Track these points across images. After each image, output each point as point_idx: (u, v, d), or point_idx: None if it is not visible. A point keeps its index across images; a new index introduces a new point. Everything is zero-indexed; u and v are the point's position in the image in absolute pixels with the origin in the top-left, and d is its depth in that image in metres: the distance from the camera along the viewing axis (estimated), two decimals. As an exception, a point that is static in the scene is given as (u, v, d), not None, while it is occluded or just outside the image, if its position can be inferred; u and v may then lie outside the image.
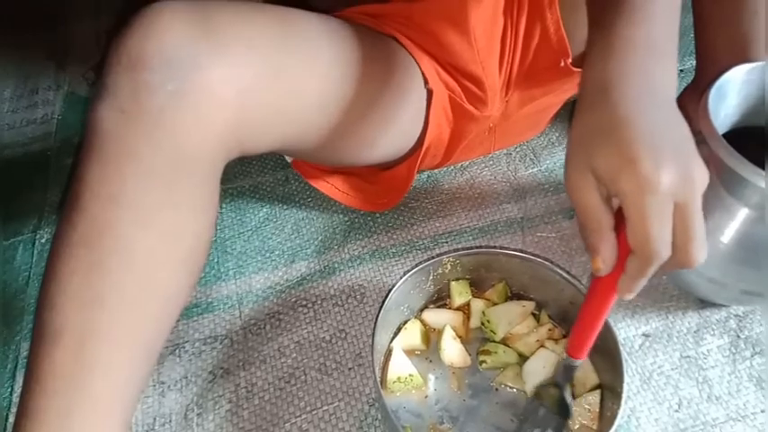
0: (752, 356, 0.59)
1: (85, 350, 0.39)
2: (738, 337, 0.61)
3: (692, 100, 0.73)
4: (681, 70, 0.84)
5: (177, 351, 0.63)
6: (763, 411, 0.55)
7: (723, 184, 0.54)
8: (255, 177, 0.79)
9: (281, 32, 0.48)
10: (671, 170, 0.35)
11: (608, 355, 0.54)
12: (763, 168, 0.50)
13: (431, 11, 0.59)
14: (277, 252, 0.71)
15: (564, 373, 0.51)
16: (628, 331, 0.62)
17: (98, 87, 0.41)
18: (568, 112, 0.79)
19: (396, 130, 0.61)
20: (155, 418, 0.59)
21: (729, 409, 0.56)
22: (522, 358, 0.58)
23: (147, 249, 0.41)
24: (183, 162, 0.41)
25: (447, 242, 0.70)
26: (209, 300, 0.67)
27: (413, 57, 0.60)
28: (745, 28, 0.64)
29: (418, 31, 0.60)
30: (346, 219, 0.73)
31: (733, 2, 0.63)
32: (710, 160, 0.55)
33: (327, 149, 0.57)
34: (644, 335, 0.61)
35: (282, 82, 0.47)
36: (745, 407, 0.56)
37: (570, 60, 0.64)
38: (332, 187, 0.71)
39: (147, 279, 0.41)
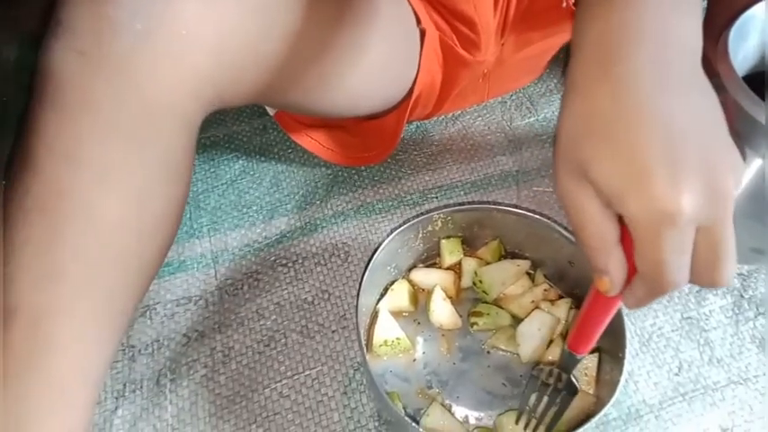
0: (755, 317, 0.57)
1: (42, 328, 0.35)
2: (742, 297, 0.58)
3: (706, 41, 0.68)
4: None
5: (148, 313, 0.59)
6: (765, 374, 0.53)
7: (738, 134, 0.50)
8: (231, 126, 0.73)
9: None
10: (694, 189, 0.27)
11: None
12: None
13: None
14: (254, 207, 0.66)
15: (567, 362, 0.48)
16: (626, 291, 0.59)
17: (52, 22, 0.35)
18: (563, 57, 0.73)
19: (386, 75, 0.55)
20: (124, 385, 0.55)
21: (731, 372, 0.53)
22: (516, 320, 0.55)
23: (112, 215, 0.36)
24: (153, 115, 0.36)
25: (437, 197, 0.65)
26: (182, 258, 0.62)
27: None
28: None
29: None
30: (329, 172, 0.68)
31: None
32: (726, 106, 0.51)
33: (314, 97, 0.52)
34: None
35: (266, 21, 0.41)
36: (747, 369, 0.54)
37: (573, 0, 0.58)
38: (315, 143, 0.65)
39: (112, 248, 0.36)
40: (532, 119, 0.71)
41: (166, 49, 0.35)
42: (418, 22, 0.55)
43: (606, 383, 0.50)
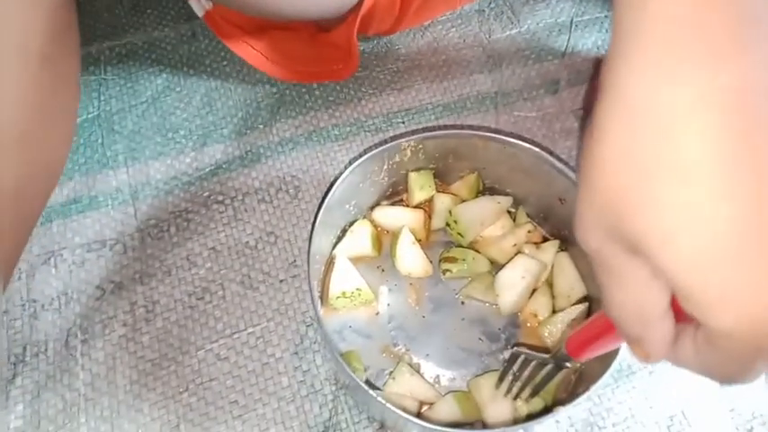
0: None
1: None
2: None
3: None
4: None
5: (52, 260, 0.48)
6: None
7: None
8: (151, 31, 0.60)
9: None
10: None
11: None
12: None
13: None
14: (182, 132, 0.54)
15: (560, 360, 0.39)
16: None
17: None
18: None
19: None
20: (24, 347, 0.45)
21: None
22: (495, 266, 0.47)
23: None
24: None
25: (404, 122, 0.55)
26: (93, 193, 0.51)
27: None
28: None
29: None
30: (275, 89, 0.57)
31: None
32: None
33: None
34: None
35: None
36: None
37: None
38: (256, 53, 0.53)
39: None
40: (514, 31, 0.61)
41: None
42: None
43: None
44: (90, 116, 0.54)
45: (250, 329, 0.46)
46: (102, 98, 0.55)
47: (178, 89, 0.56)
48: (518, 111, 0.57)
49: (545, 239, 0.49)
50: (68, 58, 0.35)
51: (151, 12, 0.61)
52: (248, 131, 0.54)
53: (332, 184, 0.43)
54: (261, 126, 0.55)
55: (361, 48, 0.57)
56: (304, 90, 0.57)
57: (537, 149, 0.45)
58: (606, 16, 0.62)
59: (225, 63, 0.57)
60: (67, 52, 0.35)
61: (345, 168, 0.44)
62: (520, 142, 0.46)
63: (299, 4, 0.46)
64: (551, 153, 0.45)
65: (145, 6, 0.62)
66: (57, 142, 0.35)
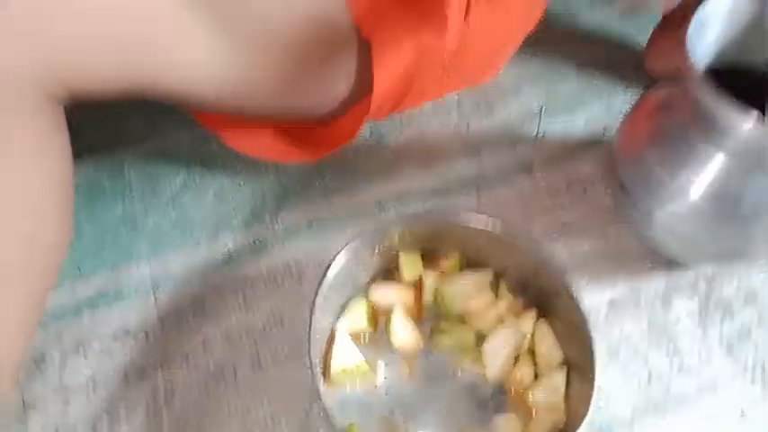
0: (721, 321, 0.55)
1: None
2: (708, 299, 0.56)
3: (664, 36, 0.66)
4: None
5: (82, 349, 0.54)
6: (734, 381, 0.52)
7: (699, 129, 0.48)
8: (170, 135, 0.67)
9: None
10: None
11: (573, 326, 0.49)
12: (748, 109, 0.44)
13: None
14: (198, 225, 0.61)
15: None
16: (592, 298, 0.56)
17: None
18: (522, 55, 0.70)
19: (323, 77, 0.51)
20: (56, 430, 0.50)
21: (701, 379, 0.52)
22: (481, 337, 0.52)
23: None
24: None
25: (395, 206, 0.62)
26: (118, 287, 0.57)
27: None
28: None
29: None
30: (278, 183, 0.63)
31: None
32: (686, 102, 0.49)
33: (201, 96, 0.48)
34: (609, 302, 0.56)
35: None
36: (716, 377, 0.52)
37: None
38: (258, 148, 0.59)
39: None
40: (490, 120, 0.68)
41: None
42: (361, 34, 0.51)
43: (576, 398, 0.48)
44: (115, 216, 0.61)
45: (260, 409, 0.50)
46: (125, 200, 0.62)
47: (194, 187, 0.63)
48: (498, 191, 0.63)
49: (524, 309, 0.54)
50: (60, 162, 0.41)
51: (169, 116, 0.69)
52: (255, 222, 0.61)
53: (327, 268, 0.49)
54: (267, 217, 0.61)
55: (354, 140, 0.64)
56: (305, 182, 0.63)
57: (510, 228, 0.51)
58: (575, 102, 0.69)
59: (235, 161, 0.64)
60: (58, 155, 0.41)
61: (338, 252, 0.50)
62: (494, 221, 0.52)
63: (292, 103, 0.53)
64: (522, 229, 0.51)
65: (161, 113, 0.70)
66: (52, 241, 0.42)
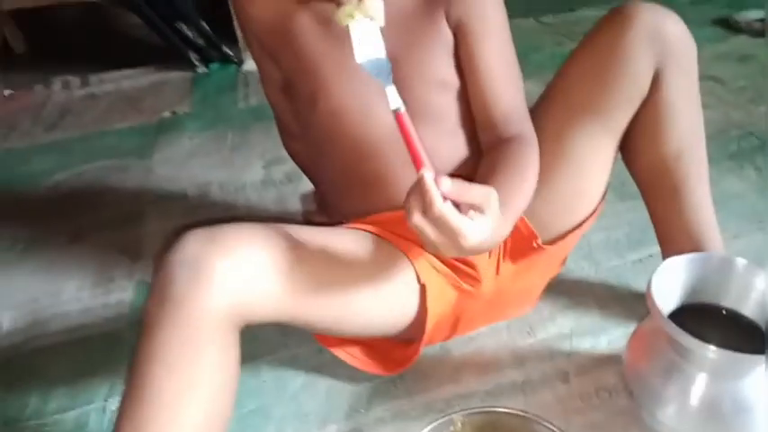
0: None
1: None
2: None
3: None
4: (649, 255, 1.01)
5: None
6: None
7: (677, 352, 0.67)
8: (294, 348, 0.92)
9: (283, 235, 0.63)
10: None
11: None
12: (706, 338, 0.63)
13: None
14: (312, 416, 0.82)
15: None
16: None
17: (151, 281, 0.60)
18: (553, 292, 0.94)
19: (388, 316, 0.75)
20: None
21: None
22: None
23: (173, 391, 0.56)
24: (196, 328, 0.57)
25: (459, 404, 0.81)
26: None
27: (407, 257, 0.75)
28: (691, 219, 0.81)
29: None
30: (371, 384, 0.85)
31: (674, 200, 0.81)
32: (663, 334, 0.69)
33: (323, 327, 0.73)
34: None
35: (281, 273, 0.62)
36: None
37: (540, 240, 0.81)
38: (349, 355, 0.83)
39: (177, 412, 0.56)
40: (533, 340, 0.89)
41: (203, 291, 0.56)
42: (418, 279, 0.75)
43: None
44: (251, 408, 0.84)
45: None
46: (259, 395, 0.85)
47: (310, 386, 0.86)
48: (539, 395, 0.81)
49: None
50: (234, 366, 0.62)
51: (293, 334, 0.94)
52: (354, 414, 0.81)
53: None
54: (362, 410, 0.81)
55: (430, 352, 0.86)
56: (391, 383, 0.84)
57: (546, 423, 0.69)
58: (598, 328, 0.90)
59: (340, 368, 0.86)
60: (233, 362, 0.62)
61: (417, 438, 0.68)
62: (540, 419, 0.69)
63: (361, 332, 0.77)
64: (555, 426, 0.68)
65: (289, 330, 0.96)
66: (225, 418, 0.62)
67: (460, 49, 0.73)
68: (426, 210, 0.52)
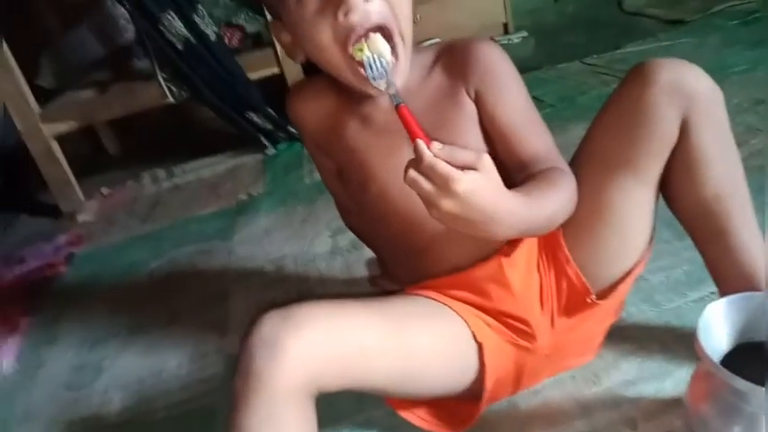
0: None
1: None
2: None
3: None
4: (711, 293, 1.00)
5: None
6: None
7: (731, 392, 0.68)
8: (370, 411, 0.99)
9: (349, 308, 0.72)
10: None
11: None
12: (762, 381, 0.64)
13: (478, 276, 0.82)
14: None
15: None
16: None
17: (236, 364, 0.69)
18: (615, 338, 0.96)
19: (451, 376, 0.81)
20: None
21: None
22: None
23: None
24: (276, 399, 0.65)
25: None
26: None
27: (463, 319, 0.81)
28: (740, 259, 0.82)
29: (469, 290, 0.83)
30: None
31: (720, 241, 0.83)
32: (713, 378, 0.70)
33: (391, 391, 0.80)
34: None
35: (348, 345, 0.70)
36: None
37: (594, 296, 0.84)
38: (417, 417, 0.88)
39: None
40: (598, 388, 0.91)
41: (279, 368, 0.64)
42: (474, 337, 0.81)
43: None
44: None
45: None
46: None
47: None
48: (609, 443, 0.82)
49: None
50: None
51: (368, 398, 1.01)
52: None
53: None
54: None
55: (496, 407, 0.90)
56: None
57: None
58: (662, 372, 0.90)
59: (412, 429, 0.93)
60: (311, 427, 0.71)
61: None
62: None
63: (427, 394, 0.83)
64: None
65: (365, 395, 1.02)
66: None
67: (482, 115, 0.81)
68: (418, 164, 0.59)
